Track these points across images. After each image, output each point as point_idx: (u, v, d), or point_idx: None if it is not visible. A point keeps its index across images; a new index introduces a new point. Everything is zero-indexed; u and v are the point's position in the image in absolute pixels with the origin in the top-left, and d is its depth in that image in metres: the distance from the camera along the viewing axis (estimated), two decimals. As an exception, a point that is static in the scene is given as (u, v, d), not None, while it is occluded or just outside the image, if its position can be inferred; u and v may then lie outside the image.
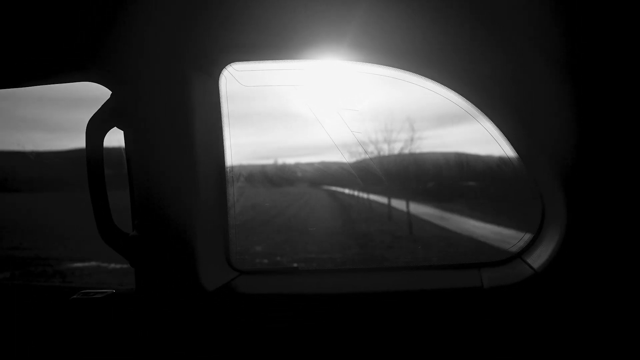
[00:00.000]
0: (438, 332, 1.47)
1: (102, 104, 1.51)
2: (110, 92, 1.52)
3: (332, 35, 1.37)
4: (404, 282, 1.56)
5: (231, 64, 1.51)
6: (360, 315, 1.49)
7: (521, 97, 1.34)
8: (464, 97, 1.45)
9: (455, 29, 1.32)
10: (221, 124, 1.61)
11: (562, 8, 1.24)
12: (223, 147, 1.63)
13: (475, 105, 1.45)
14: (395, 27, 1.34)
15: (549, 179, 1.40)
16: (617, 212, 1.32)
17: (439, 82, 1.45)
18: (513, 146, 1.47)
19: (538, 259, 1.46)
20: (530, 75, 1.32)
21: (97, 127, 1.50)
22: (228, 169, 1.65)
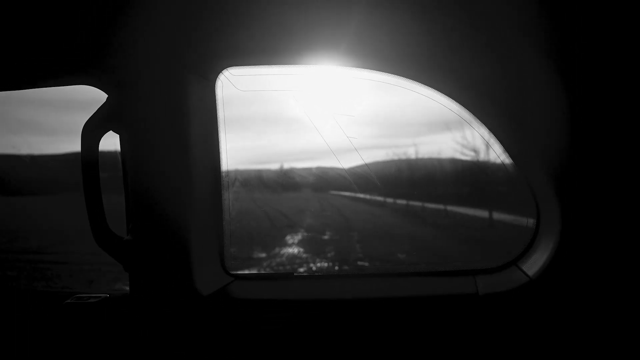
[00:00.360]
0: (433, 338, 1.46)
1: (97, 107, 1.51)
2: (107, 96, 1.52)
3: (328, 41, 1.38)
4: (399, 288, 1.56)
5: (228, 68, 1.52)
6: (355, 321, 1.49)
7: (515, 103, 1.35)
8: (459, 102, 1.46)
9: (448, 35, 1.33)
10: (217, 129, 1.61)
11: (555, 11, 1.25)
12: (219, 152, 1.63)
13: (470, 111, 1.46)
14: (389, 34, 1.35)
15: (543, 186, 1.41)
16: (611, 218, 1.32)
17: (433, 87, 1.46)
18: (507, 152, 1.48)
19: (533, 266, 1.46)
20: (525, 80, 1.33)
21: (92, 131, 1.49)
22: (224, 174, 1.65)
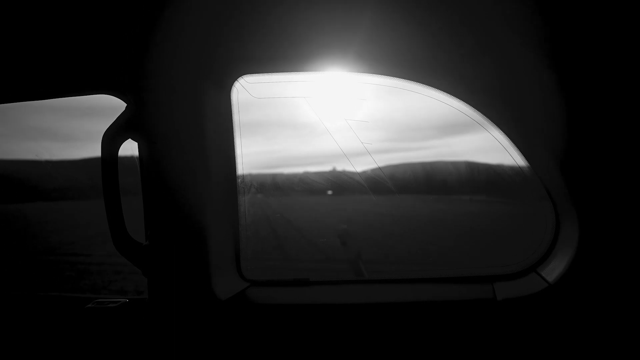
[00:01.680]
0: (451, 343, 1.46)
1: (117, 116, 1.54)
2: (125, 105, 1.55)
3: (341, 48, 1.39)
4: (416, 293, 1.55)
5: (243, 76, 1.54)
6: (371, 326, 1.49)
7: (531, 107, 1.34)
8: (472, 106, 1.45)
9: (459, 38, 1.32)
10: (233, 135, 1.63)
11: (568, 12, 1.24)
12: (234, 157, 1.65)
13: (485, 115, 1.46)
14: (401, 38, 1.36)
15: (561, 191, 1.40)
16: (630, 224, 1.30)
17: (445, 91, 1.46)
18: (524, 156, 1.47)
19: (552, 272, 1.45)
20: (540, 84, 1.32)
21: (112, 139, 1.52)
22: (239, 179, 1.67)
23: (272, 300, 1.57)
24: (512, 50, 1.31)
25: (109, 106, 1.59)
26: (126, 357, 1.63)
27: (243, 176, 1.69)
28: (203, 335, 1.54)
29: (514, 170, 1.56)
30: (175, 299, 1.53)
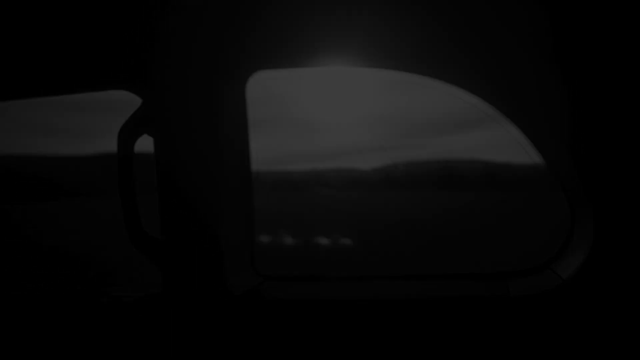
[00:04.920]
0: (465, 340, 1.45)
1: (133, 112, 1.56)
2: (141, 100, 1.56)
3: (358, 43, 1.39)
4: (430, 290, 1.55)
5: (257, 71, 1.54)
6: (386, 322, 1.49)
7: (546, 101, 1.32)
8: (485, 100, 1.44)
9: (473, 31, 1.31)
10: (247, 130, 1.64)
11: (586, 6, 1.22)
12: (249, 153, 1.66)
13: (497, 109, 1.44)
14: (416, 31, 1.35)
15: (577, 187, 1.38)
16: None
17: (460, 86, 1.44)
18: (539, 151, 1.46)
19: (567, 268, 1.44)
20: (552, 76, 1.30)
21: (128, 134, 1.54)
22: (253, 175, 1.68)
23: (286, 296, 1.58)
24: (526, 44, 1.29)
25: (125, 102, 1.61)
26: (138, 352, 1.65)
27: (257, 172, 1.70)
28: (216, 330, 1.56)
29: (529, 166, 1.54)
30: (189, 294, 1.55)
